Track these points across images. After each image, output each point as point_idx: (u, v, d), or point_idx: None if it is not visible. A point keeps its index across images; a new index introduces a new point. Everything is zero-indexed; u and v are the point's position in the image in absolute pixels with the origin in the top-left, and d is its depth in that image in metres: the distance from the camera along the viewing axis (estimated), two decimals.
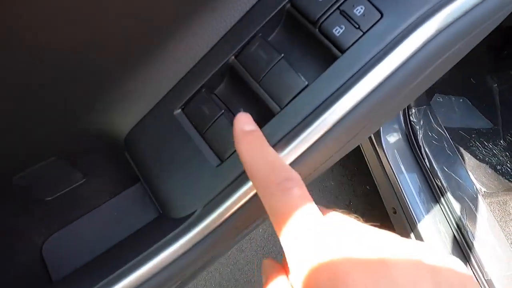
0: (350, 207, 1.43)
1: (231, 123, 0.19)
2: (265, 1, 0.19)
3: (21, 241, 0.25)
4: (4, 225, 0.23)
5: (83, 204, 0.26)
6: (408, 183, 0.93)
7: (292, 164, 0.19)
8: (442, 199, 0.88)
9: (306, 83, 0.18)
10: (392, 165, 0.95)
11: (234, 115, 0.19)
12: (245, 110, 0.20)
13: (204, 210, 0.19)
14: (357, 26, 0.17)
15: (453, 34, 0.16)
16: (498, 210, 0.89)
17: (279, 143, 0.18)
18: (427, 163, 0.91)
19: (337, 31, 0.17)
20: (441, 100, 1.12)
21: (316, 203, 0.17)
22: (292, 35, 0.19)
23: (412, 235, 0.91)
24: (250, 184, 0.18)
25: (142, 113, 0.21)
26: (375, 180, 1.01)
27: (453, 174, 0.90)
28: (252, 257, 1.29)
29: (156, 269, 0.18)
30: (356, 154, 1.51)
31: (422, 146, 0.93)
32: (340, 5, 0.17)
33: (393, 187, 0.95)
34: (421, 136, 0.94)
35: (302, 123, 0.17)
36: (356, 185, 1.47)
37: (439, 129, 0.94)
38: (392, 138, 0.95)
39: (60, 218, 0.26)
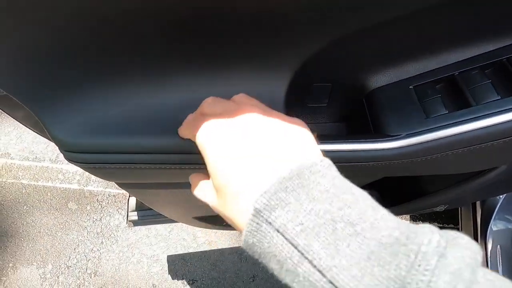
0: None
1: (443, 104, 0.36)
2: (491, 52, 0.36)
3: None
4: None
5: (320, 116, 0.47)
6: None
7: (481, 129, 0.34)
8: None
9: (500, 97, 0.33)
10: (489, 258, 0.93)
11: (446, 103, 0.36)
12: (448, 99, 0.37)
13: (405, 136, 0.36)
14: None
15: None
16: None
17: (468, 120, 0.34)
18: None
19: None
20: None
21: None
22: (498, 73, 0.35)
23: None
24: (433, 134, 0.34)
25: (385, 82, 0.40)
26: None
27: None
28: None
29: (357, 147, 0.36)
30: None
31: None
32: None
33: None
34: None
35: (490, 114, 0.33)
36: None
37: None
38: (500, 231, 0.93)
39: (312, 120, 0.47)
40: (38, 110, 0.31)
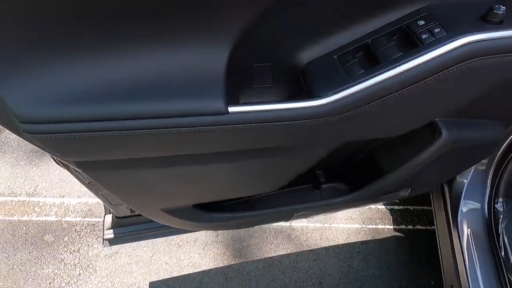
0: None
1: (360, 65, 0.42)
2: (395, 21, 0.43)
3: None
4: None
5: (267, 96, 0.51)
6: (476, 268, 0.90)
7: (393, 78, 0.39)
8: None
9: (402, 53, 0.39)
10: (464, 245, 0.94)
11: (363, 64, 0.42)
12: (365, 62, 0.43)
13: (330, 94, 0.41)
14: (433, 36, 0.38)
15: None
16: None
17: (379, 73, 0.39)
18: (503, 254, 0.89)
19: (423, 36, 0.39)
20: None
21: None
22: (401, 37, 0.42)
23: None
24: (352, 89, 0.40)
25: (316, 55, 0.46)
26: (439, 252, 1.00)
27: None
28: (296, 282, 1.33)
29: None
30: (426, 242, 1.43)
31: (501, 235, 0.92)
32: (429, 27, 0.39)
33: (457, 266, 0.93)
34: (503, 225, 0.93)
35: (394, 66, 0.39)
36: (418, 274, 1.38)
37: None
38: (470, 216, 0.96)
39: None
40: None
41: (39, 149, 1.82)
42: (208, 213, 0.68)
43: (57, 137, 0.38)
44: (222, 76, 0.40)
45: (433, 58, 0.37)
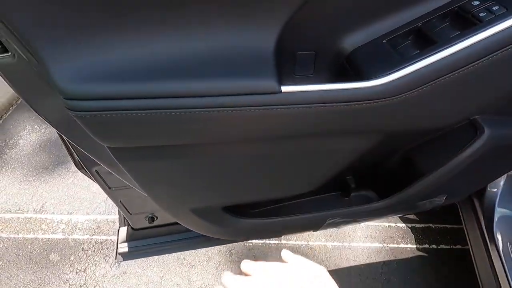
0: None
1: (414, 46, 0.41)
2: (445, 5, 0.42)
3: None
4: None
5: (312, 82, 0.50)
6: None
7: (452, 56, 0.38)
8: None
9: (459, 32, 0.38)
10: (502, 257, 0.89)
11: (417, 46, 0.41)
12: (419, 43, 0.41)
13: (385, 74, 0.39)
14: (492, 13, 0.37)
15: None
16: None
17: (437, 52, 0.38)
18: None
19: (481, 15, 0.38)
20: None
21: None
22: (455, 18, 0.41)
23: None
24: (408, 68, 0.38)
25: (362, 42, 0.45)
26: (476, 269, 0.93)
27: None
28: None
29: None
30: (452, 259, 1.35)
31: None
32: (487, 5, 0.38)
33: (499, 280, 0.87)
34: None
35: (454, 43, 0.38)
36: None
37: None
38: (506, 227, 0.91)
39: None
40: (43, 48, 0.33)
41: (49, 165, 1.78)
42: (237, 217, 0.64)
43: (101, 115, 0.36)
44: (272, 57, 0.39)
45: (494, 34, 0.36)
